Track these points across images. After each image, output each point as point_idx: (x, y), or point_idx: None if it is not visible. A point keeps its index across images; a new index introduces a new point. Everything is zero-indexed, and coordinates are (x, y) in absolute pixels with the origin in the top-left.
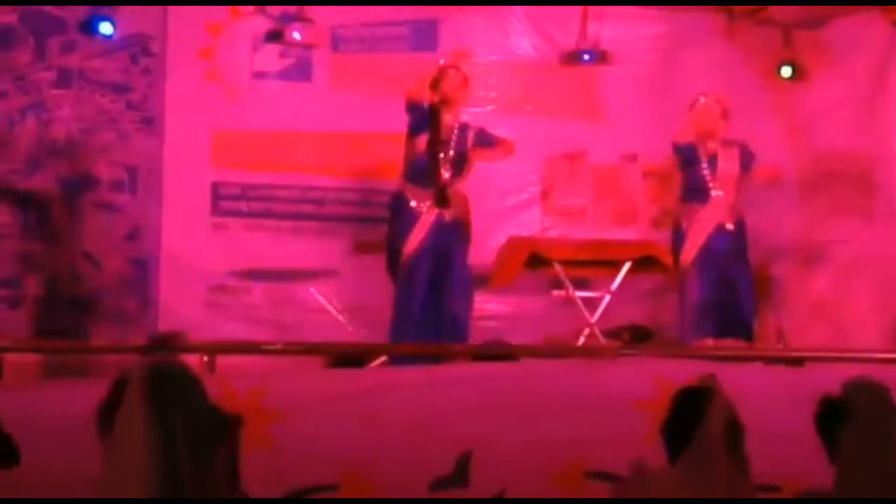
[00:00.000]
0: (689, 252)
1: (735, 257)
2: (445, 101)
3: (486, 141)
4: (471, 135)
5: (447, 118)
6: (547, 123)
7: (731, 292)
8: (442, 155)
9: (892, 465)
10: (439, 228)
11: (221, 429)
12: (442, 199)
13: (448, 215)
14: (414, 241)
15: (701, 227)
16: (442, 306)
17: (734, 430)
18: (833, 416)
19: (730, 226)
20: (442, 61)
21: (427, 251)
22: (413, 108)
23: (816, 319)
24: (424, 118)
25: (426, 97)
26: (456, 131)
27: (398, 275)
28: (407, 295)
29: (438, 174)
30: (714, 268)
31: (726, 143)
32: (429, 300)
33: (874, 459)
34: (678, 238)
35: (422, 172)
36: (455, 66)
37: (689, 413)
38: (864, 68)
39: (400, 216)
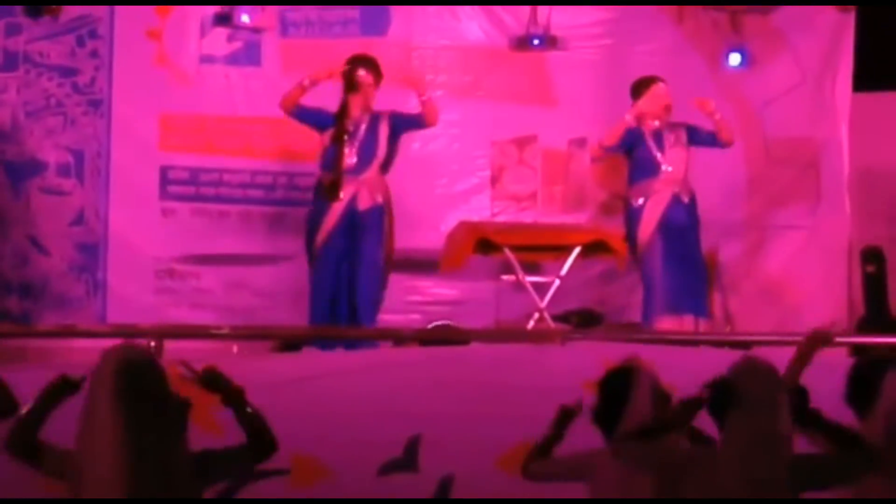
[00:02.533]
0: (647, 226)
1: (691, 233)
2: (354, 92)
3: (407, 121)
4: (384, 123)
5: (355, 111)
6: (496, 108)
7: (689, 268)
8: (348, 145)
9: (776, 447)
10: (351, 217)
11: (184, 417)
12: (333, 191)
13: (361, 206)
14: (324, 229)
15: (657, 198)
16: (349, 298)
17: (660, 407)
18: (721, 396)
19: (685, 198)
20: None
21: (336, 239)
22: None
23: (764, 303)
24: (324, 117)
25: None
26: (367, 120)
27: (311, 259)
28: (317, 281)
29: (340, 165)
30: (674, 242)
31: (671, 125)
32: (339, 288)
33: (759, 442)
34: (633, 216)
35: (329, 162)
36: (366, 64)
37: (617, 394)
38: (812, 54)
39: (316, 201)
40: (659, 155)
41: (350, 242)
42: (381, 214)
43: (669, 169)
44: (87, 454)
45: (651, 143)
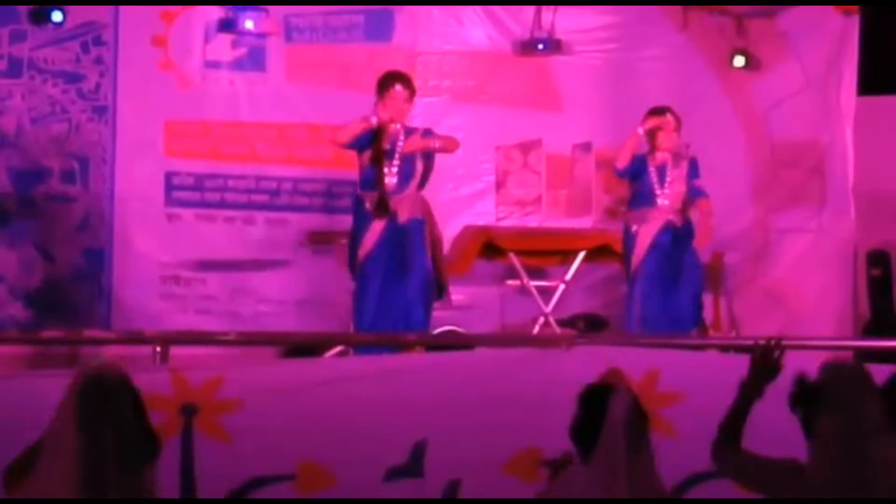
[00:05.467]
0: (640, 251)
1: (682, 251)
2: (390, 117)
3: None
4: (416, 138)
5: (392, 128)
6: (501, 113)
7: (678, 287)
8: (387, 165)
9: (866, 448)
10: (392, 233)
11: (151, 448)
12: (382, 208)
13: (401, 219)
14: (367, 245)
15: (652, 226)
16: (397, 310)
17: (636, 423)
18: (808, 397)
19: (678, 223)
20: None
21: (379, 255)
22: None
23: (770, 307)
24: (364, 137)
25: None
26: (402, 139)
27: (355, 275)
28: (362, 297)
29: (382, 184)
30: (662, 264)
31: (676, 157)
32: (384, 303)
33: (849, 443)
34: (629, 241)
35: (371, 181)
36: (403, 80)
37: (594, 411)
38: (817, 57)
39: (357, 218)
40: (658, 189)
41: (395, 254)
42: (422, 226)
43: (666, 203)
44: (43, 474)
45: (654, 178)
